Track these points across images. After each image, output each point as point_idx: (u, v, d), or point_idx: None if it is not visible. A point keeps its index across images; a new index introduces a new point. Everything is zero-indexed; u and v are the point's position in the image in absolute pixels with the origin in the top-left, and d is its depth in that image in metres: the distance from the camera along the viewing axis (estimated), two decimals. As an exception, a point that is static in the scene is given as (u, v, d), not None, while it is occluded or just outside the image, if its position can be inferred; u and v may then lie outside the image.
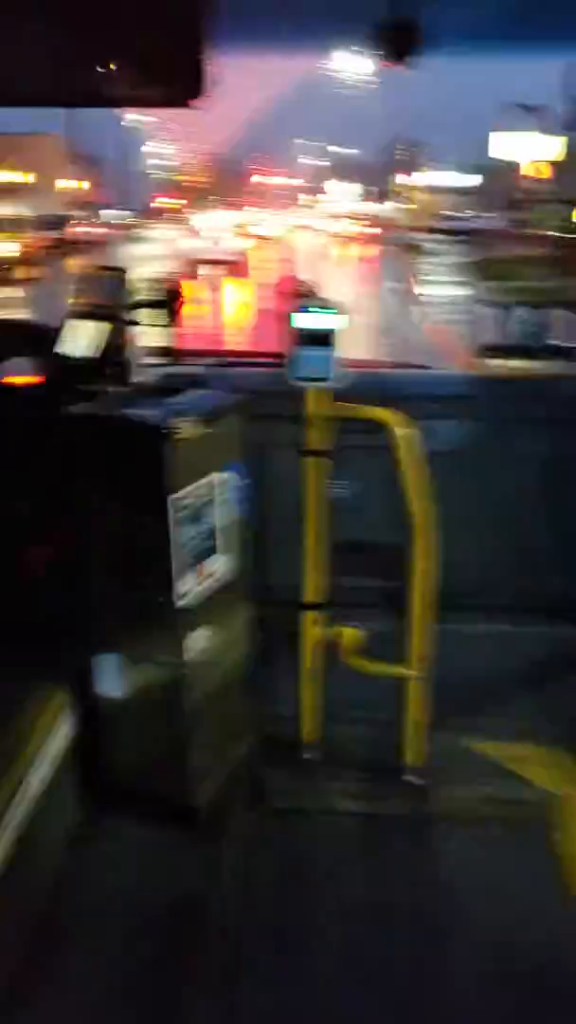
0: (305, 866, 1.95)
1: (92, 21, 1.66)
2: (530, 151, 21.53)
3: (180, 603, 1.86)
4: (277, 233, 35.57)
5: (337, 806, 2.12)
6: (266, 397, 2.11)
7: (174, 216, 53.89)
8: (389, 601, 2.20)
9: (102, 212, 44.81)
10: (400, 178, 45.35)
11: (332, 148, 71.57)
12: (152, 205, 63.44)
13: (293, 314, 1.98)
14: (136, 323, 2.23)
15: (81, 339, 2.18)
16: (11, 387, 2.20)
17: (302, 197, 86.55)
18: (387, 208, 56.40)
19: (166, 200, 64.84)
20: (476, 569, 2.32)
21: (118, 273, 2.20)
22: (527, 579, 2.34)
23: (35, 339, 2.31)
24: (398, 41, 1.72)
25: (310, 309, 1.96)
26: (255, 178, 74.90)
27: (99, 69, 1.74)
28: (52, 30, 1.65)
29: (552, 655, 2.31)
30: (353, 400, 2.07)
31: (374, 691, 2.21)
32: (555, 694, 2.28)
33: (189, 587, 1.88)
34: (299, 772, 2.22)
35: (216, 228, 24.21)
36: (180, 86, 1.73)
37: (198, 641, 1.94)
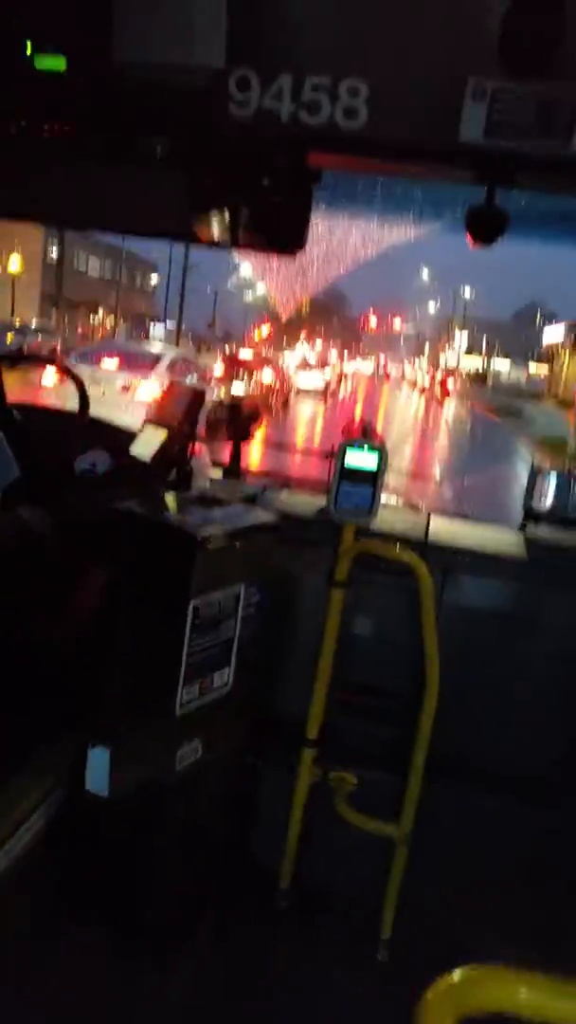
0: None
1: (221, 175, 1.89)
2: None
3: (180, 711, 1.87)
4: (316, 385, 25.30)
5: (295, 970, 1.99)
6: (304, 522, 2.16)
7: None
8: (392, 752, 2.13)
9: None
10: (549, 334, 39.48)
11: (467, 296, 61.42)
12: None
13: (342, 450, 2.07)
14: (200, 437, 2.37)
15: (152, 443, 2.34)
16: (76, 478, 2.36)
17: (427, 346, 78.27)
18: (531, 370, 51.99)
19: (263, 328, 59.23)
20: (487, 736, 2.22)
21: (194, 391, 2.38)
22: (537, 755, 2.20)
23: (114, 438, 2.49)
24: (489, 227, 1.82)
25: (357, 447, 2.05)
26: (372, 320, 64.87)
27: (222, 215, 1.98)
28: (186, 177, 1.89)
29: (551, 837, 2.14)
30: (391, 539, 2.10)
31: (364, 844, 2.10)
32: (548, 879, 2.10)
33: (192, 696, 1.89)
34: (268, 919, 2.12)
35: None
36: (287, 236, 1.95)
37: (191, 753, 1.93)
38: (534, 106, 1.46)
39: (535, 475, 2.34)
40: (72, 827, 1.95)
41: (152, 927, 1.94)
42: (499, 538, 2.48)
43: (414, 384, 46.10)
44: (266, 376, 19.89)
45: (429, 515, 2.45)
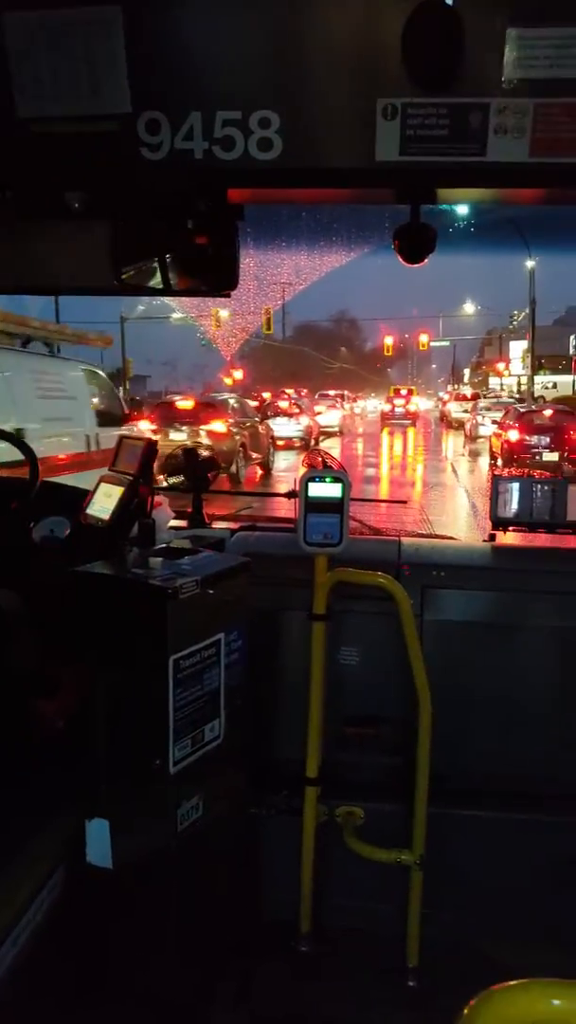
0: None
1: (143, 222, 1.88)
2: None
3: (174, 769, 1.81)
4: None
5: (329, 1012, 1.92)
6: (275, 560, 2.14)
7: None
8: (394, 779, 2.10)
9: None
10: None
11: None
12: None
13: (305, 482, 2.07)
14: (161, 489, 2.35)
15: (107, 502, 2.30)
16: (36, 546, 2.31)
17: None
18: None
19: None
20: (486, 750, 2.20)
21: (145, 442, 2.35)
22: (542, 763, 2.19)
23: (68, 500, 2.45)
24: (417, 244, 1.81)
25: (319, 479, 2.04)
26: (388, 339, 44.47)
27: (152, 264, 1.97)
28: (109, 228, 1.87)
29: (567, 840, 2.12)
30: (364, 566, 2.09)
31: (379, 877, 2.06)
32: (568, 884, 2.08)
33: (185, 752, 1.84)
34: (291, 967, 2.05)
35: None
36: (219, 277, 1.95)
37: (191, 811, 1.87)
38: (447, 119, 1.47)
39: (498, 483, 2.36)
40: (76, 906, 1.87)
41: (171, 999, 1.85)
42: (469, 550, 2.49)
43: (460, 428, 27.82)
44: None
45: (400, 538, 2.45)
